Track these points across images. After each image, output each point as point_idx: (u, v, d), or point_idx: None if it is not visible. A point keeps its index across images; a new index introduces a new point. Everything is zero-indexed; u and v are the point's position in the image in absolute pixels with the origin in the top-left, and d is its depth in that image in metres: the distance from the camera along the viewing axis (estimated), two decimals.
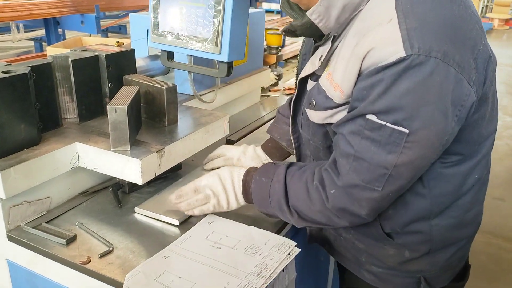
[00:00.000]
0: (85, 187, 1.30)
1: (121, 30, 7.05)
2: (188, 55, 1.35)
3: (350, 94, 0.94)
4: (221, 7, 1.18)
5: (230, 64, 1.27)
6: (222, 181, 1.14)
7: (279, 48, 2.61)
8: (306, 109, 1.11)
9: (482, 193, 1.14)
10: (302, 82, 1.15)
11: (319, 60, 1.02)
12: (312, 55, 1.10)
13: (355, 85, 0.93)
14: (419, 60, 0.84)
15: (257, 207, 1.13)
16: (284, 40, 2.93)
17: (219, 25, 1.20)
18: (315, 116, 1.06)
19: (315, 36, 1.06)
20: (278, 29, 2.73)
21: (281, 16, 9.43)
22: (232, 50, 1.22)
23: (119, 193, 1.27)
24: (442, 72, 0.85)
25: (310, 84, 1.11)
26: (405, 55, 0.84)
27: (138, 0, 5.70)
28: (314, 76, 1.08)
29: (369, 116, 0.90)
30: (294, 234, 1.36)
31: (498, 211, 3.39)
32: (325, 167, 1.02)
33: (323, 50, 1.03)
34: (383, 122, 0.88)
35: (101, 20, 4.90)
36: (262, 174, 1.11)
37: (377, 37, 0.88)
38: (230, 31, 1.19)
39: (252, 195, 1.12)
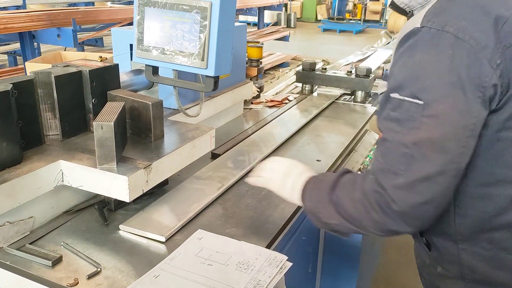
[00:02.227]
0: (69, 206, 1.27)
1: (98, 43, 6.97)
2: (173, 69, 1.34)
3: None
4: (207, 22, 1.18)
5: (216, 79, 1.27)
6: (294, 164, 1.18)
7: (260, 60, 2.62)
8: None
9: None
10: None
11: None
12: None
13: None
14: (432, 33, 0.88)
15: (306, 201, 1.11)
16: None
17: (205, 40, 1.20)
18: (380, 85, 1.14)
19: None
20: (258, 42, 2.75)
21: (258, 28, 9.53)
22: (218, 64, 1.22)
23: (105, 211, 1.25)
24: (455, 46, 0.86)
25: None
26: (419, 26, 0.90)
27: (114, 13, 5.67)
28: None
29: (392, 95, 0.92)
30: (283, 246, 1.36)
31: None
32: None
33: None
34: (402, 97, 0.90)
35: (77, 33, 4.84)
36: (323, 175, 1.13)
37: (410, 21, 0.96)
38: (216, 46, 1.20)
39: (307, 187, 1.11)
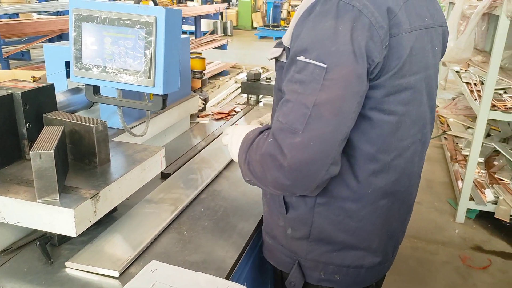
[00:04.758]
0: (7, 244, 1.14)
1: (24, 56, 6.56)
2: (117, 88, 1.25)
3: (289, 37, 1.02)
4: (152, 38, 1.11)
5: (165, 97, 1.20)
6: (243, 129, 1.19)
7: (203, 72, 2.57)
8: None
9: (376, 215, 1.11)
10: None
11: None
12: None
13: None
14: (340, 4, 0.92)
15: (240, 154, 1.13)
16: None
17: (151, 56, 1.12)
18: (269, 52, 1.12)
19: None
20: (201, 53, 2.70)
21: (196, 37, 9.43)
22: (167, 82, 1.16)
23: (48, 247, 1.13)
24: (359, 19, 0.91)
25: None
26: None
27: (42, 26, 5.35)
28: None
29: (298, 58, 0.94)
30: (245, 264, 1.31)
31: (418, 215, 3.61)
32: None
33: None
34: (308, 60, 0.93)
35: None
36: (255, 129, 1.12)
37: None
38: (163, 63, 1.13)
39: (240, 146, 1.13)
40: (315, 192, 1.03)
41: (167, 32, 1.12)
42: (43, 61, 1.67)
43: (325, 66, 0.91)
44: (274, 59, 1.12)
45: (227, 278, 1.08)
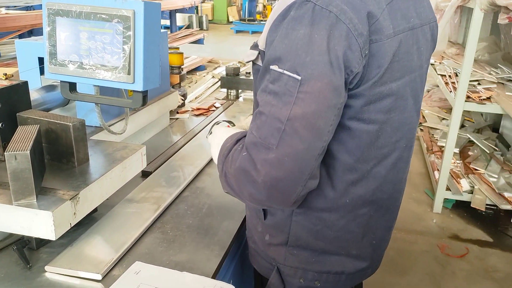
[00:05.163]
0: None
1: None
2: (95, 85, 1.21)
3: (264, 40, 0.97)
4: (131, 33, 1.08)
5: (145, 93, 1.17)
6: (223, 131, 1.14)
7: (181, 67, 2.52)
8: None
9: (356, 224, 1.07)
10: None
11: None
12: None
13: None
14: (316, 9, 0.85)
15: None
16: None
17: (130, 52, 1.09)
18: (245, 54, 1.07)
19: None
20: (178, 48, 2.65)
21: (171, 32, 9.31)
22: (147, 78, 1.12)
23: (26, 251, 1.09)
24: (336, 26, 0.84)
25: None
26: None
27: (11, 21, 5.17)
28: None
29: (272, 67, 0.88)
30: (232, 258, 1.29)
31: None
32: None
33: None
34: (282, 70, 0.87)
35: None
36: (232, 136, 1.07)
37: None
38: (143, 58, 1.10)
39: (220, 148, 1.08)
40: (294, 206, 0.98)
41: (146, 26, 1.09)
42: (14, 58, 1.61)
43: (299, 78, 0.84)
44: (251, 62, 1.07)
45: (213, 277, 1.07)
